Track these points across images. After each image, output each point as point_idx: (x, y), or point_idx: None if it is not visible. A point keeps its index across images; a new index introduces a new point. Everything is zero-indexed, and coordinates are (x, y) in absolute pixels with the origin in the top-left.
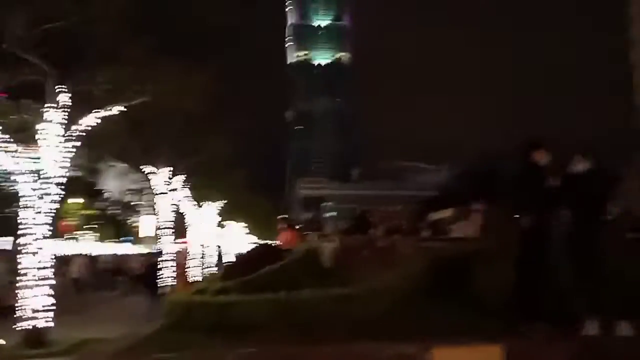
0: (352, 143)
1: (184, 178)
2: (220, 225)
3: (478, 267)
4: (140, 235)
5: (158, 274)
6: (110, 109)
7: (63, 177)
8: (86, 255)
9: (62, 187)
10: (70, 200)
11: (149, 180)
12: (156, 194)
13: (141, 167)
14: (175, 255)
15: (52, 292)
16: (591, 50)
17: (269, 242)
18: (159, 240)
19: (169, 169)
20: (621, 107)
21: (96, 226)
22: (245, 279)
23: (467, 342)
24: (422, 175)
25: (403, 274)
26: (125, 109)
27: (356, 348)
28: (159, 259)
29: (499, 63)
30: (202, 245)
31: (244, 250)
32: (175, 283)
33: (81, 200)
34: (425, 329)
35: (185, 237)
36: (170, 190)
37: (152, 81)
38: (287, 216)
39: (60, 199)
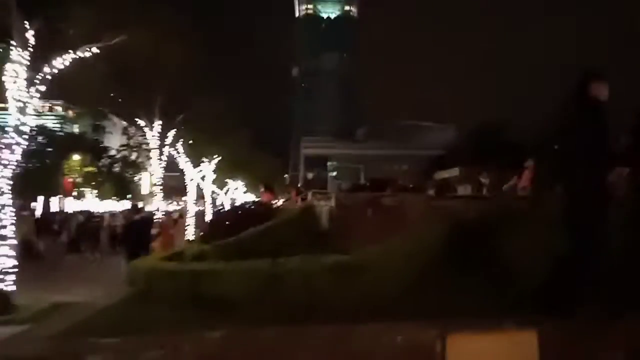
0: (357, 101)
1: (179, 133)
2: (220, 184)
3: (511, 234)
4: (143, 193)
5: (139, 233)
6: (88, 50)
7: (26, 125)
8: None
9: (26, 136)
10: (74, 158)
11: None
12: (150, 150)
13: (136, 120)
14: (163, 214)
15: (14, 253)
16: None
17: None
18: (153, 198)
19: (160, 122)
20: None
21: (95, 184)
22: (225, 243)
23: (492, 325)
24: (428, 135)
25: (415, 239)
26: (104, 51)
27: (355, 331)
28: (143, 216)
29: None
30: (198, 204)
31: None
32: (158, 245)
33: (80, 158)
34: (441, 308)
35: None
36: (164, 146)
37: (132, 22)
38: (268, 185)
39: (61, 156)
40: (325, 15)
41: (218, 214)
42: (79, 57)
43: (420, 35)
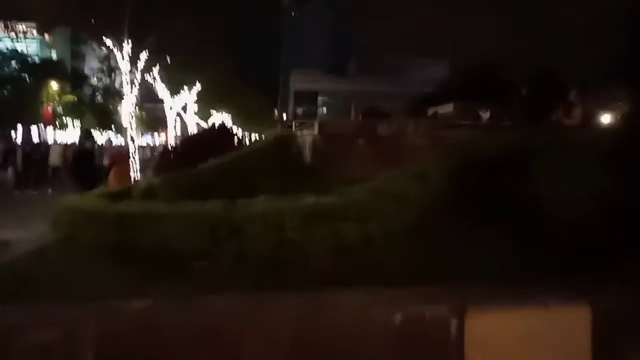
0: (350, 34)
1: (153, 57)
2: (204, 115)
3: (549, 174)
4: (124, 124)
5: (86, 165)
6: None
7: None
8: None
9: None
10: (52, 86)
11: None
12: (121, 74)
13: (103, 39)
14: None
15: None
16: None
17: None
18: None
19: (128, 43)
20: None
21: (77, 114)
22: (177, 177)
23: (523, 298)
24: (421, 71)
25: (416, 175)
26: None
27: (332, 301)
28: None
29: None
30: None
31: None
32: (112, 179)
33: (58, 86)
34: (452, 272)
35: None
36: (136, 70)
37: None
38: None
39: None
40: None
41: (178, 140)
42: None
43: None
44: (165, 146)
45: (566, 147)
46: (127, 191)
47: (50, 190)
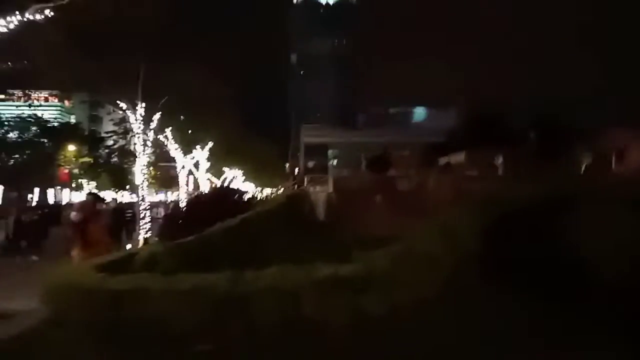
0: (357, 87)
1: (165, 117)
2: (216, 172)
3: (586, 226)
4: (136, 183)
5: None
6: (40, 11)
7: None
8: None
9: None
10: (69, 149)
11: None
12: (135, 136)
13: (117, 101)
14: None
15: None
16: None
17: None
18: (141, 188)
19: (142, 104)
20: None
21: (93, 175)
22: (182, 243)
23: None
24: (429, 120)
25: (445, 232)
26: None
27: None
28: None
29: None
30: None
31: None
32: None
33: (75, 149)
34: (504, 344)
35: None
36: (146, 130)
37: None
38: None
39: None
40: (323, 1)
41: (178, 203)
42: (32, 19)
43: (420, 20)
44: (172, 208)
45: (600, 195)
46: (128, 259)
47: (35, 257)
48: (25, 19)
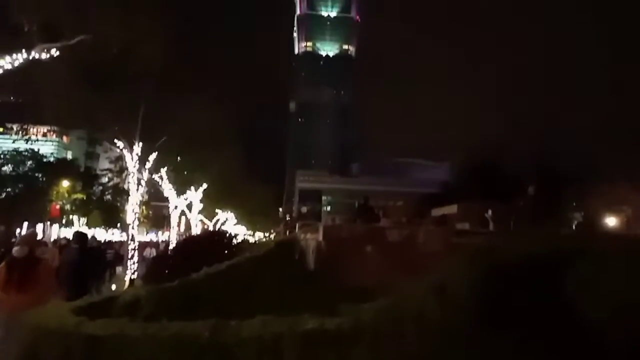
0: (353, 137)
1: (162, 157)
2: (209, 214)
3: (583, 285)
4: (127, 221)
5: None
6: (47, 50)
7: None
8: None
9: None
10: (63, 184)
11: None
12: (129, 174)
13: (115, 140)
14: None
15: None
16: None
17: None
18: (131, 227)
19: (140, 144)
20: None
21: (84, 211)
22: (166, 288)
23: None
24: (423, 172)
25: (436, 288)
26: (65, 52)
27: None
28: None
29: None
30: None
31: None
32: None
33: (69, 184)
34: None
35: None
36: (144, 170)
37: (98, 18)
38: None
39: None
40: (323, 53)
41: (168, 245)
42: (37, 58)
43: (415, 75)
44: (160, 250)
45: (598, 254)
46: (107, 304)
47: None
48: (31, 58)
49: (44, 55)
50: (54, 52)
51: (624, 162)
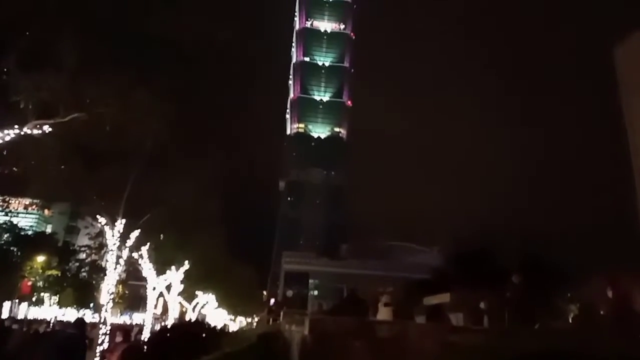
0: (342, 218)
1: (144, 235)
2: (189, 296)
3: None
4: (101, 301)
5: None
6: (39, 127)
7: None
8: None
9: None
10: (38, 259)
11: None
12: (109, 252)
13: (97, 216)
14: None
15: None
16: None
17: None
18: (105, 309)
19: (122, 220)
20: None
21: (57, 289)
22: None
23: None
24: (412, 256)
25: None
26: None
27: None
28: None
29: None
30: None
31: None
32: None
33: (44, 259)
34: None
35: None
36: (122, 248)
37: (93, 96)
38: None
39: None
40: (315, 135)
41: (140, 331)
42: (29, 133)
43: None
44: (132, 342)
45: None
46: None
47: None
48: (22, 133)
49: (36, 131)
50: (47, 128)
51: (616, 251)
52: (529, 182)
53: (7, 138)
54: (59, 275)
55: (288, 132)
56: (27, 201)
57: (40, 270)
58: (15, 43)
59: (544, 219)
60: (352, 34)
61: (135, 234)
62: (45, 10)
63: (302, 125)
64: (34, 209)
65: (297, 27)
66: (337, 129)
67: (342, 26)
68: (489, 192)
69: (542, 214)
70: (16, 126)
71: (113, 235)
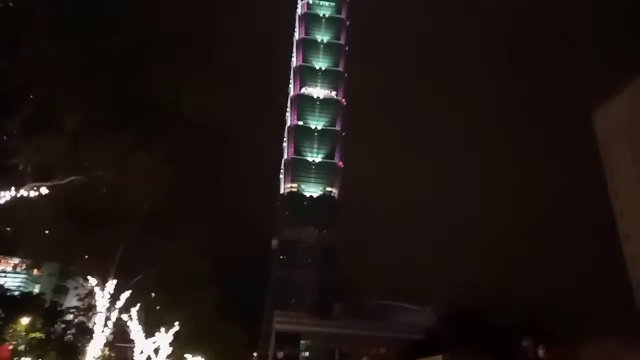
0: (334, 277)
1: (132, 294)
2: (175, 358)
3: None
4: None
5: None
6: (36, 189)
7: None
8: None
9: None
10: (22, 322)
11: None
12: (97, 313)
13: (88, 276)
14: None
15: None
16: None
17: None
18: None
19: (113, 281)
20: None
21: (40, 353)
22: None
23: None
24: (405, 316)
25: None
26: (53, 189)
27: None
28: None
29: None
30: None
31: None
32: None
33: (28, 321)
34: None
35: None
36: (112, 309)
37: (91, 159)
38: None
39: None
40: (307, 194)
41: None
42: (25, 196)
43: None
44: None
45: None
46: None
47: None
48: (19, 195)
49: (33, 193)
50: (44, 191)
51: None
52: (524, 238)
53: (2, 201)
54: (43, 337)
55: (281, 191)
56: (15, 261)
57: (24, 333)
58: (19, 108)
59: (540, 280)
60: (343, 99)
61: (125, 295)
62: (49, 77)
63: (295, 185)
64: (22, 269)
65: (292, 93)
66: (329, 189)
67: (334, 93)
68: (481, 249)
69: (538, 274)
70: (13, 188)
71: (103, 297)
